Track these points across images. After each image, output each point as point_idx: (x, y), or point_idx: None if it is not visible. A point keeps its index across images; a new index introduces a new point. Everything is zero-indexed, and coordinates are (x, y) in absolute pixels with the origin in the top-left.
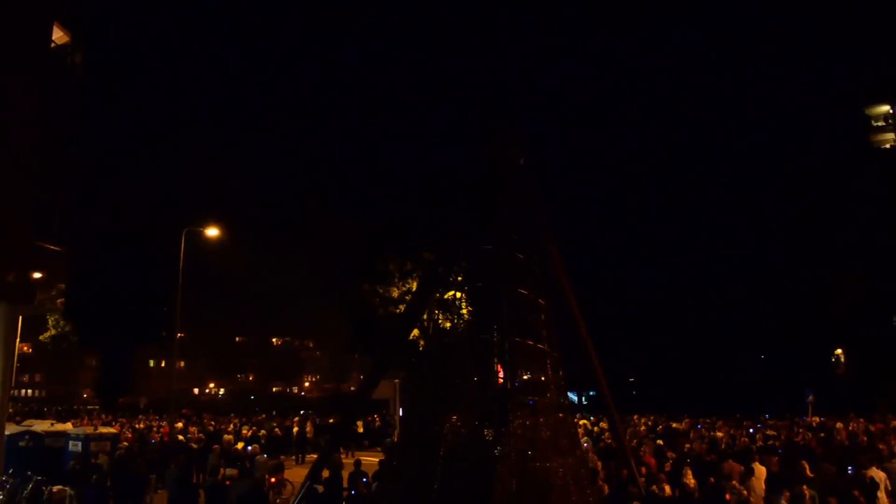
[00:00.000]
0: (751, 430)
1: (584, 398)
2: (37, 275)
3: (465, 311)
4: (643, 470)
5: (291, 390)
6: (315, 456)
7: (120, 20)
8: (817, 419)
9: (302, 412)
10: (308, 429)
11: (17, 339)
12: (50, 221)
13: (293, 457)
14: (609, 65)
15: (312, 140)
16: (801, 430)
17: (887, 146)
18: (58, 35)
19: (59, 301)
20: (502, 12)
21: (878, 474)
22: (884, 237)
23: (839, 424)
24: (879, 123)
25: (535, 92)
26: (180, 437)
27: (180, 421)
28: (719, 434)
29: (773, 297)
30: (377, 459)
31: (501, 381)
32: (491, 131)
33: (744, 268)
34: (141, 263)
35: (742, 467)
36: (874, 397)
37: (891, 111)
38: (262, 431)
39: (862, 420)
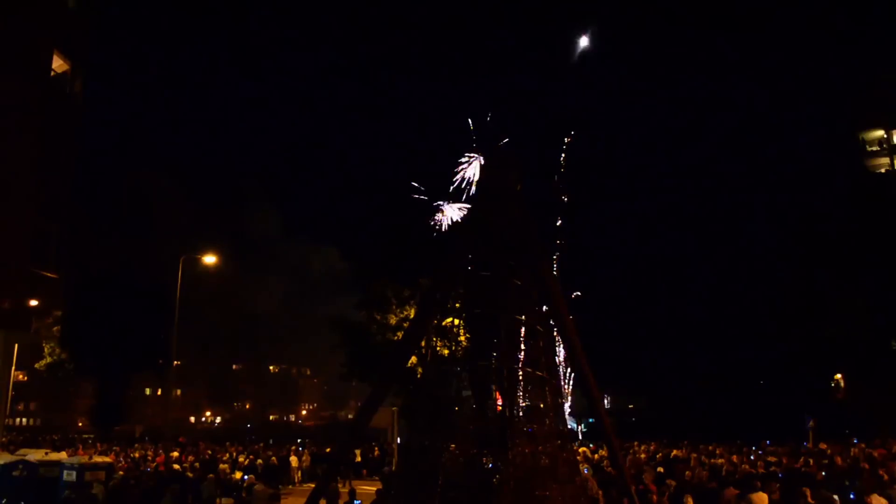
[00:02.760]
0: (751, 457)
1: (583, 425)
2: (33, 302)
3: (463, 338)
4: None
5: (288, 418)
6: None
7: (115, 49)
8: (823, 445)
9: (299, 440)
10: (305, 458)
11: (13, 367)
12: (46, 248)
13: (289, 486)
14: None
15: (305, 163)
16: (802, 457)
17: (882, 171)
18: (58, 63)
19: (55, 328)
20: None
21: (879, 501)
22: (882, 261)
23: (829, 451)
24: (874, 148)
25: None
26: (176, 466)
27: (176, 449)
28: (720, 461)
29: (772, 322)
30: (375, 489)
31: (500, 408)
32: (489, 156)
33: (741, 292)
34: (138, 290)
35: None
36: (875, 422)
37: (884, 136)
38: (259, 460)
39: (863, 445)
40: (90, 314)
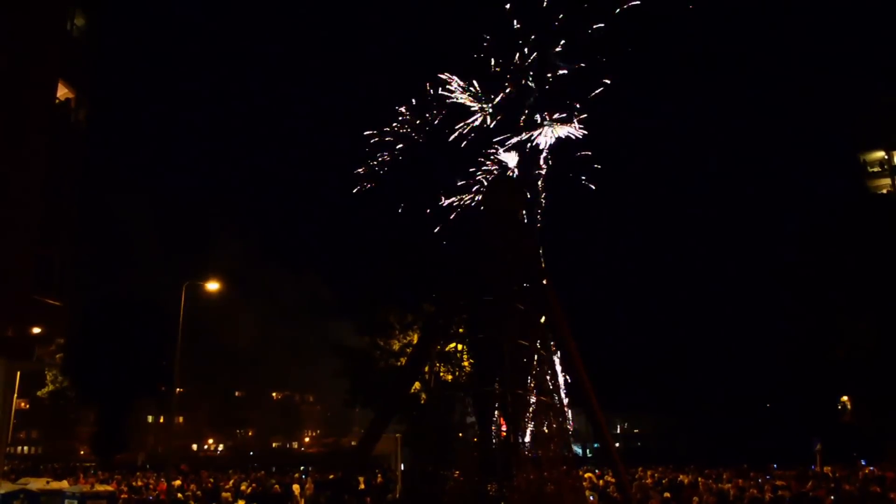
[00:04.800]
0: (759, 481)
1: (588, 450)
2: (36, 329)
3: (466, 364)
4: None
5: (291, 445)
6: None
7: (118, 76)
8: (827, 468)
9: (302, 468)
10: (308, 485)
11: (15, 395)
12: (50, 275)
13: None
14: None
15: (306, 189)
16: (811, 480)
17: (884, 191)
18: (62, 92)
19: (58, 356)
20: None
21: None
22: (886, 281)
23: (838, 474)
24: (875, 169)
25: None
26: (179, 495)
27: (178, 478)
28: (727, 486)
29: (777, 344)
30: None
31: (504, 433)
32: (491, 184)
33: (747, 316)
34: (140, 317)
35: None
36: (882, 445)
37: (885, 157)
38: (261, 488)
39: (873, 469)
40: (92, 341)
